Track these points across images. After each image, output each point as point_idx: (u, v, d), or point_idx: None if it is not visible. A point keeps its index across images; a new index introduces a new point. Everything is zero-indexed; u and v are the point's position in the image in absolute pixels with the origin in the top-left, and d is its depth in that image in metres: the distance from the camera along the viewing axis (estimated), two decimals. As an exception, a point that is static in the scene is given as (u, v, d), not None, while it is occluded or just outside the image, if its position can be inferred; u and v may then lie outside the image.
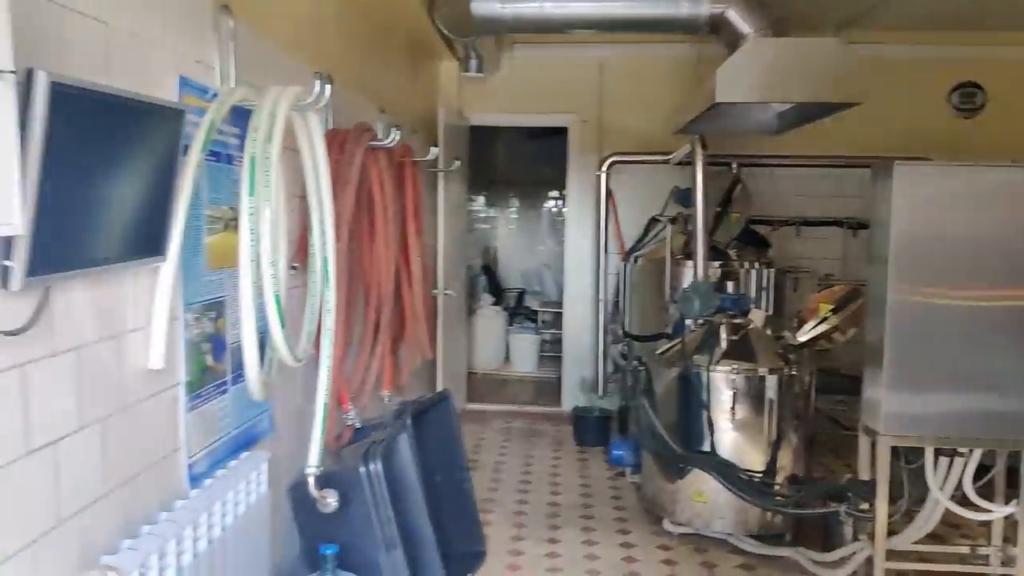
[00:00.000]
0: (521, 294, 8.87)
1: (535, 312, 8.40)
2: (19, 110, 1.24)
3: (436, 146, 4.35)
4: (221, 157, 2.20)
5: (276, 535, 2.52)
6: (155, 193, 1.75)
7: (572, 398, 6.15)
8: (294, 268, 2.61)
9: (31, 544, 1.44)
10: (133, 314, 1.77)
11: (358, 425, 3.12)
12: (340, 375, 2.99)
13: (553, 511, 4.31)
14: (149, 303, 1.81)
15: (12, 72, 1.19)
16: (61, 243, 1.43)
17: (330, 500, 2.49)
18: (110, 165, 1.55)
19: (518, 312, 8.45)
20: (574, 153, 6.12)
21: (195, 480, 2.06)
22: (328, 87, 2.25)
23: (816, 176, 5.80)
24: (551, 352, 7.57)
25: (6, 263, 1.32)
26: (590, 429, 5.53)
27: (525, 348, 7.74)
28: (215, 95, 2.08)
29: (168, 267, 1.83)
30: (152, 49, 1.83)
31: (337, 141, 2.92)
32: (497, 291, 8.53)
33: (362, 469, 2.67)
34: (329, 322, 2.41)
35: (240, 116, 2.17)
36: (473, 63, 5.41)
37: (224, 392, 2.24)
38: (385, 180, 3.25)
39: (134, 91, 1.62)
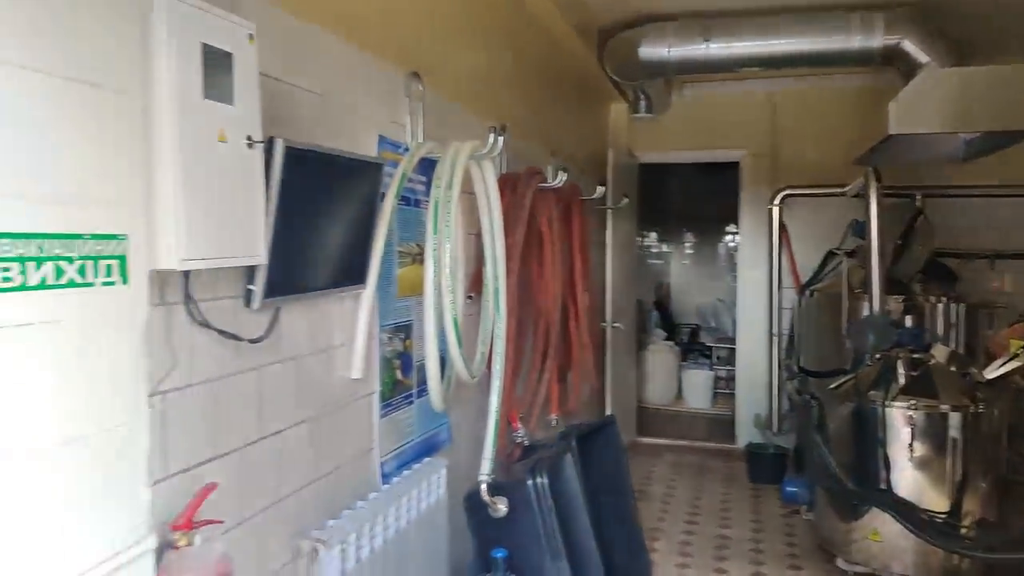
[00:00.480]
0: (695, 330, 8.83)
1: (709, 348, 8.33)
2: (264, 169, 1.62)
3: (603, 185, 4.58)
4: (410, 201, 2.57)
5: (453, 537, 2.80)
6: (359, 232, 2.11)
7: (746, 435, 6.06)
8: (470, 298, 2.93)
9: (262, 511, 1.80)
10: (339, 332, 2.14)
11: (527, 443, 3.37)
12: (511, 396, 3.26)
13: (722, 543, 4.32)
14: (352, 323, 2.17)
15: (261, 142, 1.56)
16: (288, 273, 1.80)
17: (500, 507, 2.74)
18: (326, 210, 1.92)
19: (692, 348, 8.42)
20: (747, 187, 6.12)
21: (385, 477, 2.39)
22: (501, 138, 2.55)
23: (1011, 205, 5.41)
24: (725, 389, 7.48)
25: (250, 287, 1.71)
26: (764, 466, 5.44)
27: (698, 383, 7.69)
28: (406, 149, 2.44)
29: (368, 293, 2.19)
30: (357, 114, 2.22)
31: (510, 184, 3.24)
32: (670, 326, 8.56)
33: (529, 482, 2.91)
34: (500, 346, 2.69)
35: (426, 166, 2.52)
36: (642, 104, 5.62)
37: (410, 403, 2.57)
38: (553, 218, 3.53)
39: (345, 150, 2.00)
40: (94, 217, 1.16)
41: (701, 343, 8.56)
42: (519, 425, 3.37)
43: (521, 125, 3.66)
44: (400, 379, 2.51)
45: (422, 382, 2.56)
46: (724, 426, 6.68)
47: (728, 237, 8.98)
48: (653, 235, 9.29)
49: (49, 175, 1.09)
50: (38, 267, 1.06)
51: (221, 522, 1.51)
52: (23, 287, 1.04)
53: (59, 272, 1.10)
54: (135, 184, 1.26)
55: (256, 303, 1.71)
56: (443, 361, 2.46)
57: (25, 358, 1.05)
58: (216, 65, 1.43)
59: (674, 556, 4.12)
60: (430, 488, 2.55)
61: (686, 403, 7.71)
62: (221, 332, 1.60)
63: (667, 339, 8.07)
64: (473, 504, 2.93)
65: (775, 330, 5.85)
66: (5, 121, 1.01)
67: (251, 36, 1.53)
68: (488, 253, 2.65)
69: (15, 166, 1.03)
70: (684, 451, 6.32)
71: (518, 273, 3.22)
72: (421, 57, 2.60)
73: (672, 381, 7.79)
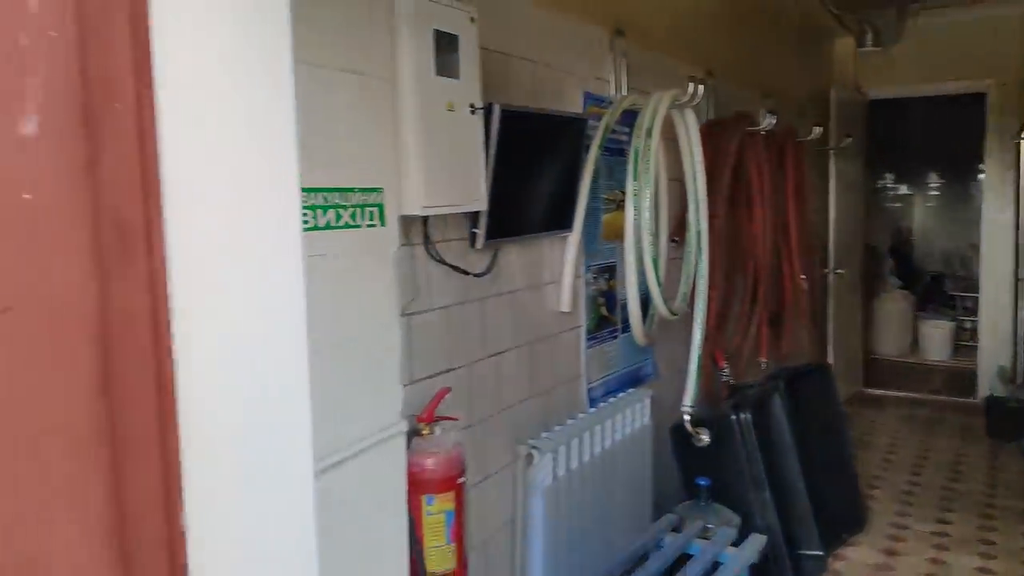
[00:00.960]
0: (937, 277, 8.17)
1: (952, 297, 7.70)
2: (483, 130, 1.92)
3: (820, 126, 4.45)
4: (615, 151, 2.78)
5: (658, 464, 3.03)
6: (566, 181, 2.37)
7: (988, 388, 5.63)
8: (674, 241, 3.09)
9: (487, 418, 2.15)
10: (548, 271, 2.43)
11: (733, 383, 3.50)
12: (716, 336, 3.40)
13: (948, 495, 4.15)
14: (560, 263, 2.45)
15: (481, 108, 1.86)
16: (505, 218, 2.11)
17: (703, 437, 2.93)
18: (537, 163, 2.20)
19: (932, 297, 7.83)
20: (993, 121, 5.57)
21: (592, 402, 2.67)
22: (700, 87, 2.67)
23: None
24: (971, 341, 6.92)
25: (475, 230, 2.03)
26: (1004, 419, 5.05)
27: (937, 335, 7.19)
28: (610, 103, 2.65)
29: (573, 238, 2.45)
30: (564, 75, 2.46)
31: (715, 130, 3.32)
32: (909, 274, 8.00)
33: (732, 416, 3.06)
34: (702, 286, 2.85)
35: (630, 117, 2.71)
36: (869, 37, 5.30)
37: (615, 338, 2.82)
38: (762, 162, 3.56)
39: (553, 108, 2.25)
40: (360, 174, 1.52)
41: (943, 292, 7.92)
42: (725, 365, 3.50)
43: (731, 69, 3.70)
44: (605, 315, 2.76)
45: (626, 319, 2.80)
46: (964, 380, 6.23)
47: (982, 176, 8.14)
48: (890, 177, 8.66)
49: (330, 143, 1.45)
50: (324, 213, 1.43)
51: (457, 419, 1.87)
52: (315, 227, 1.41)
53: (338, 216, 1.47)
54: (388, 147, 1.61)
55: (480, 243, 2.03)
56: (646, 300, 2.68)
57: (318, 278, 1.43)
58: (445, 46, 1.74)
59: (894, 504, 4.04)
60: (634, 416, 2.79)
61: (923, 355, 7.24)
62: (453, 267, 1.95)
63: (903, 287, 7.58)
64: (678, 434, 3.14)
65: (1021, 275, 5.33)
66: (302, 104, 1.38)
67: (472, 18, 1.82)
68: (691, 198, 2.80)
69: (308, 137, 1.40)
70: (916, 404, 6.00)
71: (725, 217, 3.32)
72: (624, 13, 2.78)
73: (906, 332, 7.35)
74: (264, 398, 1.07)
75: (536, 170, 2.22)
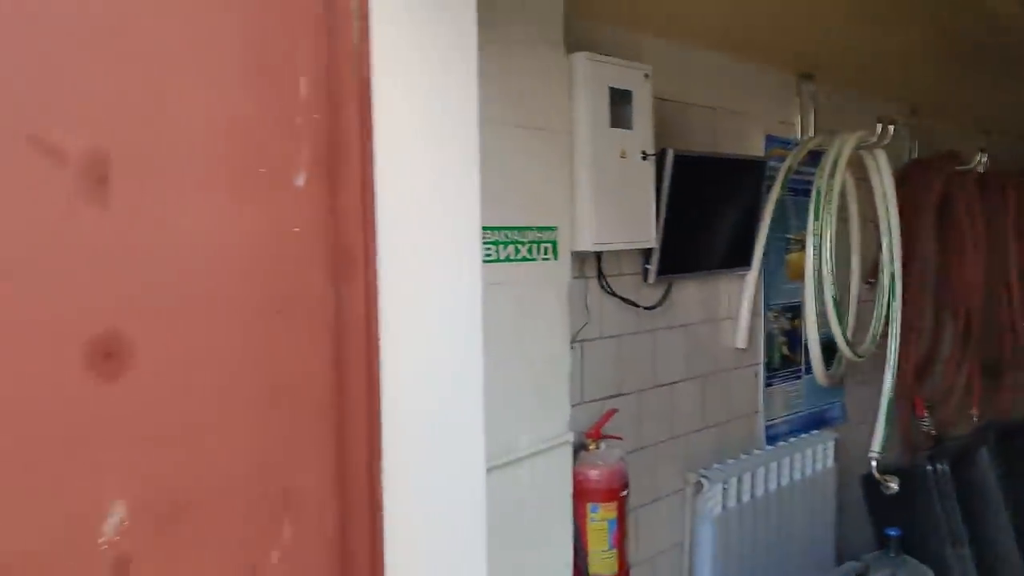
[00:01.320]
0: None
1: None
2: (655, 174, 2.10)
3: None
4: (802, 192, 2.81)
5: (843, 510, 2.96)
6: (744, 221, 2.47)
7: None
8: (869, 283, 3.03)
9: (655, 444, 2.29)
10: (725, 307, 2.52)
11: (934, 432, 3.31)
12: (916, 384, 3.24)
13: None
14: (737, 300, 2.53)
15: (652, 154, 2.04)
16: (678, 256, 2.25)
17: (891, 485, 2.82)
18: (712, 203, 2.33)
19: None
20: None
21: (770, 440, 2.70)
22: (891, 128, 2.65)
23: None
24: None
25: (647, 266, 2.20)
26: None
27: None
28: (793, 144, 2.71)
29: (751, 276, 2.53)
30: (746, 119, 2.57)
31: (917, 170, 3.22)
32: None
33: (928, 467, 2.92)
34: (894, 329, 2.77)
35: (819, 158, 2.74)
36: (1123, 63, 4.76)
37: (798, 378, 2.83)
38: (974, 203, 3.37)
39: (730, 152, 2.38)
40: (537, 214, 1.76)
41: None
42: (926, 413, 3.32)
43: (941, 105, 3.55)
44: (787, 354, 2.78)
45: (810, 359, 2.79)
46: None
47: None
48: None
49: (510, 188, 1.71)
50: (504, 247, 1.68)
51: (621, 438, 2.03)
52: (496, 260, 1.67)
53: (516, 251, 1.71)
54: (563, 191, 1.84)
55: (651, 278, 2.20)
56: (833, 341, 2.67)
57: (498, 304, 1.68)
58: (619, 100, 1.95)
59: None
60: (816, 457, 2.77)
61: None
62: (623, 299, 2.13)
63: None
64: (869, 481, 3.04)
65: None
66: (492, 155, 1.65)
67: (647, 75, 2.02)
68: (884, 239, 2.76)
69: (492, 183, 1.67)
70: None
71: (935, 259, 3.19)
72: (812, 54, 2.82)
73: None
74: (446, 395, 1.33)
75: (711, 210, 2.34)
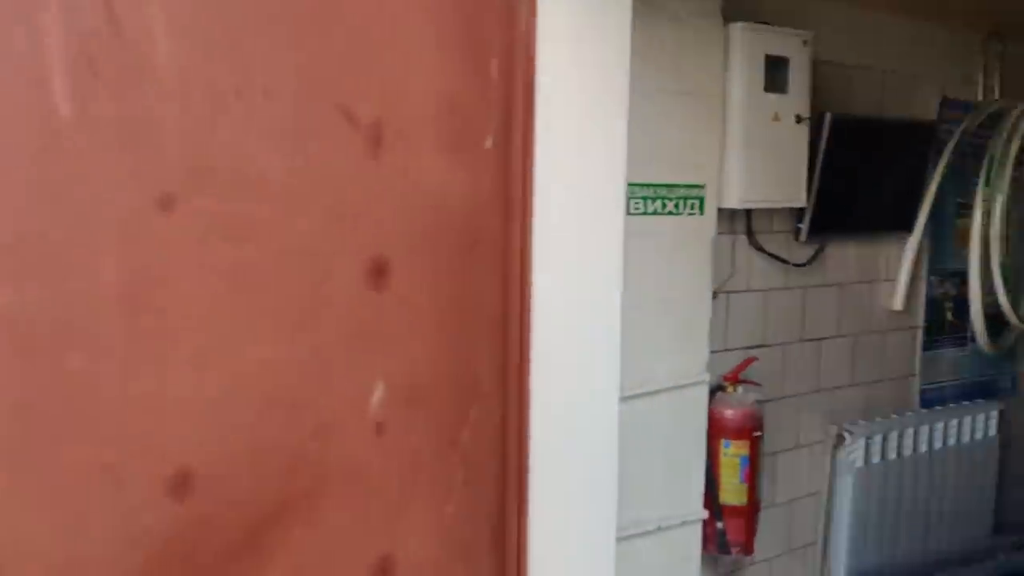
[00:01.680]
0: None
1: None
2: (810, 137, 2.18)
3: None
4: (981, 158, 2.73)
5: (1007, 484, 2.89)
6: (908, 185, 2.48)
7: None
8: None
9: (798, 395, 2.40)
10: (883, 268, 2.55)
11: None
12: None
13: None
14: (897, 263, 2.55)
15: (807, 118, 2.13)
16: (832, 216, 2.32)
17: (1061, 463, 2.73)
18: (874, 167, 2.37)
19: None
20: None
21: (925, 403, 2.70)
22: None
23: None
24: None
25: (799, 225, 2.30)
26: None
27: None
28: (971, 107, 2.64)
29: (913, 239, 2.53)
30: (917, 82, 2.55)
31: None
32: None
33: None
34: (1077, 300, 2.66)
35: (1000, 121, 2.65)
36: None
37: (963, 345, 2.79)
38: None
39: (898, 115, 2.39)
40: (685, 173, 1.94)
41: None
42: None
43: None
44: (952, 320, 2.75)
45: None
46: None
47: None
48: None
49: (663, 149, 1.90)
50: (652, 202, 1.88)
51: (759, 384, 2.18)
52: (644, 213, 1.87)
53: (663, 205, 1.91)
54: (713, 152, 1.99)
55: (802, 237, 2.30)
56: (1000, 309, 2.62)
57: (645, 251, 1.89)
58: (775, 66, 2.06)
59: None
60: (976, 426, 2.73)
61: None
62: (772, 255, 2.25)
63: None
64: (1038, 458, 2.95)
65: None
66: (646, 120, 1.84)
67: (805, 42, 2.10)
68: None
69: (642, 144, 1.87)
70: None
71: None
72: (1003, 11, 2.70)
73: None
74: (585, 319, 1.58)
75: (872, 173, 2.38)
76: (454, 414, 1.04)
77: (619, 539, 1.82)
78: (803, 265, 2.34)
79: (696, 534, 2.07)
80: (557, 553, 1.24)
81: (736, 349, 2.23)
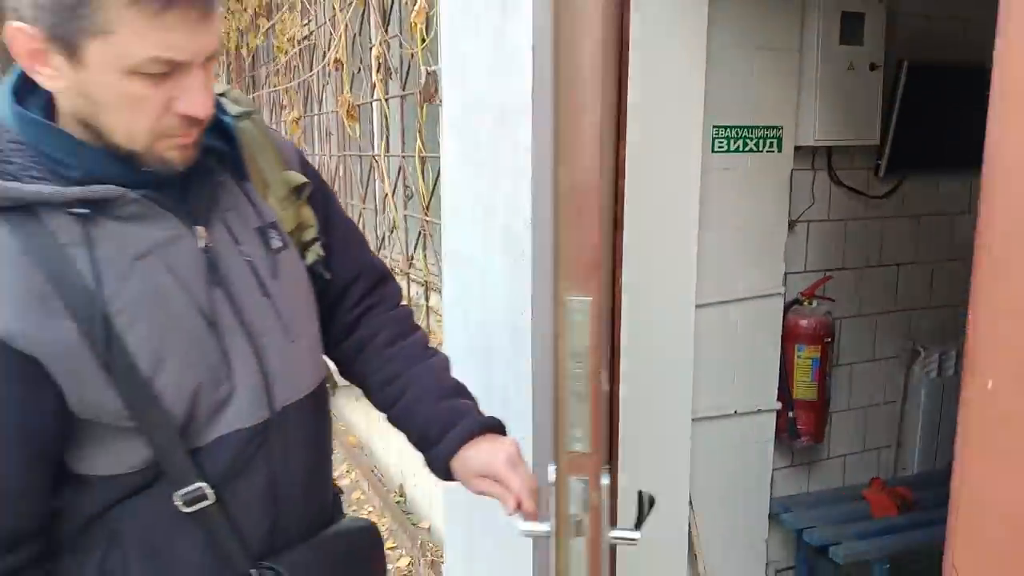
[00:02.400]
0: None
1: None
2: (888, 82, 2.46)
3: None
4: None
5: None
6: (984, 126, 2.69)
7: None
8: None
9: (873, 314, 2.71)
10: (963, 203, 2.79)
11: None
12: None
13: None
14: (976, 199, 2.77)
15: (879, 66, 2.42)
16: (910, 155, 2.60)
17: None
18: (954, 107, 2.61)
19: None
20: None
21: (1007, 327, 2.92)
22: None
23: None
24: None
25: (878, 162, 2.59)
26: None
27: None
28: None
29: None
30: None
31: None
32: None
33: None
34: None
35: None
36: None
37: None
38: None
39: (975, 59, 2.60)
40: (765, 116, 2.29)
41: None
42: None
43: None
44: (1038, 251, 2.93)
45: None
46: None
47: None
48: None
49: (746, 96, 2.26)
50: (734, 141, 2.26)
51: (832, 299, 2.53)
52: (727, 151, 2.26)
53: (744, 144, 2.28)
54: (790, 97, 2.33)
55: (881, 173, 2.59)
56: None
57: (728, 183, 2.28)
58: (850, 20, 2.36)
59: None
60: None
61: None
62: (850, 188, 2.57)
63: None
64: None
65: None
66: (731, 71, 2.21)
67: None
68: None
69: (731, 92, 2.24)
70: None
71: None
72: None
73: None
74: (666, 235, 2.02)
75: (949, 115, 2.62)
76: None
77: (700, 419, 2.27)
78: (880, 198, 2.64)
79: (770, 421, 2.47)
80: (642, 427, 1.70)
81: (815, 271, 2.58)
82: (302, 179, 1.07)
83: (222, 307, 0.93)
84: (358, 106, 3.67)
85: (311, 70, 4.52)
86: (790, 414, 2.47)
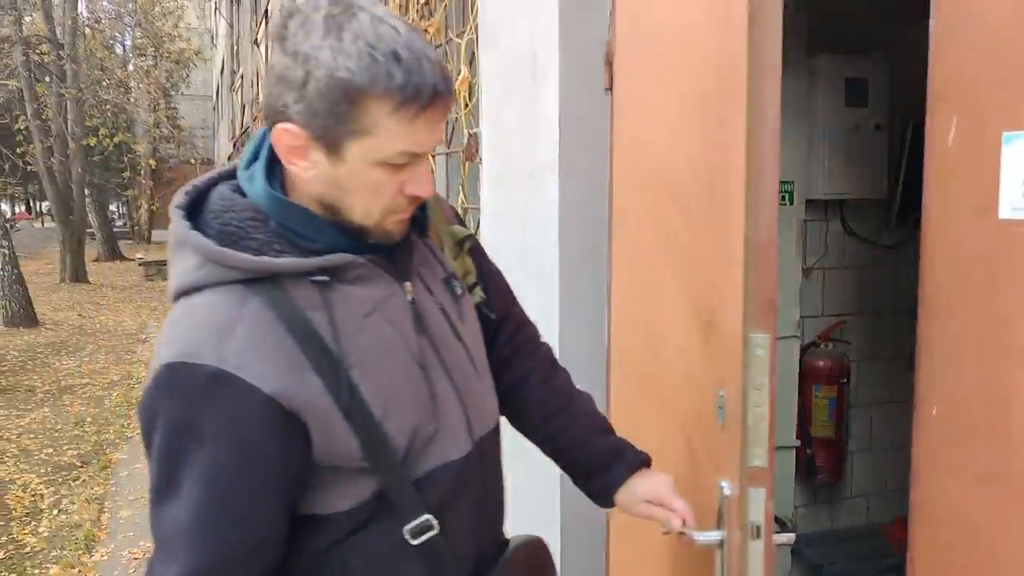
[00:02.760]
0: None
1: None
2: (893, 140, 2.65)
3: None
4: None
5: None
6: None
7: None
8: None
9: (897, 357, 2.85)
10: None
11: None
12: None
13: None
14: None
15: (884, 126, 2.61)
16: (916, 207, 2.76)
17: None
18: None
19: None
20: None
21: None
22: None
23: None
24: None
25: (888, 214, 2.76)
26: None
27: None
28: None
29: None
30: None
31: None
32: None
33: None
34: None
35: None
36: None
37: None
38: None
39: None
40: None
41: None
42: None
43: None
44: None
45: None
46: None
47: None
48: None
49: (757, 155, 2.48)
50: (748, 195, 2.47)
51: (848, 343, 2.68)
52: (741, 204, 2.46)
53: (758, 198, 2.48)
54: (801, 155, 2.54)
55: (891, 223, 2.76)
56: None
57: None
58: (855, 85, 2.56)
59: None
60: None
61: None
62: (862, 238, 2.74)
63: None
64: None
65: None
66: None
67: (882, 63, 2.59)
68: None
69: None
70: None
71: None
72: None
73: None
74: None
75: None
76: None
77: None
78: (892, 247, 2.80)
79: (790, 458, 2.61)
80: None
81: (831, 315, 2.74)
82: (465, 231, 1.21)
83: (428, 352, 1.02)
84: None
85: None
86: (808, 452, 2.61)
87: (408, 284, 1.03)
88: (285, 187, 0.98)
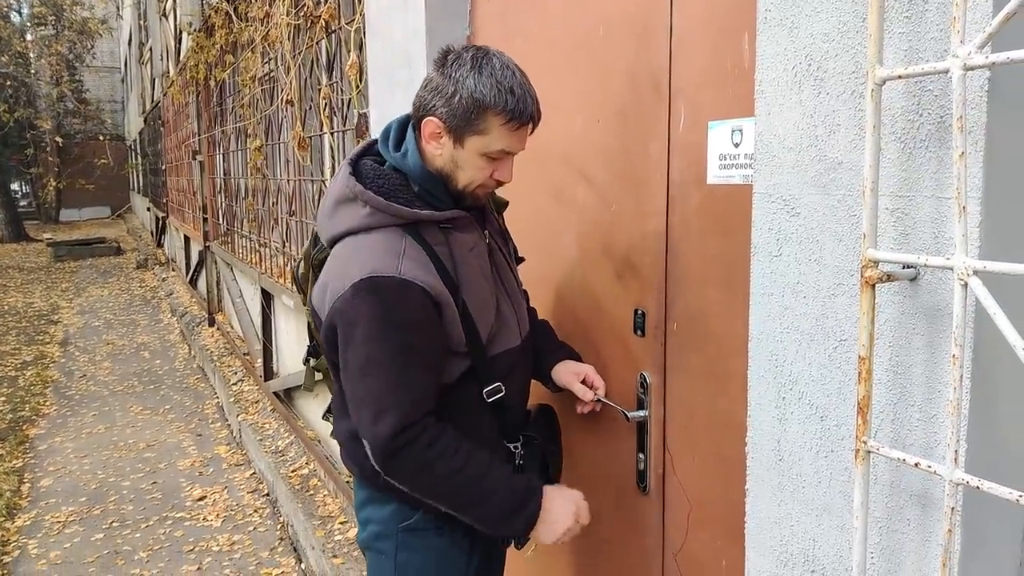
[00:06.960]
0: None
1: None
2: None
3: None
4: None
5: None
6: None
7: None
8: None
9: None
10: None
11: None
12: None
13: None
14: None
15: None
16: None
17: None
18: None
19: None
20: None
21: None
22: None
23: None
24: None
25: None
26: None
27: None
28: None
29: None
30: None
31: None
32: None
33: None
34: None
35: None
36: None
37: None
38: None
39: None
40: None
41: None
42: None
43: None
44: None
45: None
46: None
47: None
48: None
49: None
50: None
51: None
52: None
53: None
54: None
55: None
56: None
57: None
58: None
59: None
60: None
61: None
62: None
63: None
64: None
65: None
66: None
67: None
68: None
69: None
70: None
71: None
72: None
73: None
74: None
75: None
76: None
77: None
78: None
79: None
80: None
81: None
82: (505, 201, 1.71)
83: (496, 277, 1.54)
84: (309, 138, 4.16)
85: (271, 105, 4.99)
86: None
87: (486, 232, 1.55)
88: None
